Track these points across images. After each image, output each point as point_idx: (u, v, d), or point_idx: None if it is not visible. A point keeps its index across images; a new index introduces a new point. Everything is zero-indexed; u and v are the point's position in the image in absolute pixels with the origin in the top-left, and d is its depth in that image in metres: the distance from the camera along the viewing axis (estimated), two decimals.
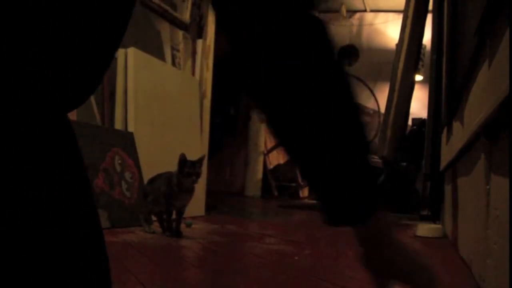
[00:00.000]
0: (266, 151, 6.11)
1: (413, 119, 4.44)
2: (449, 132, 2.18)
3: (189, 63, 3.45)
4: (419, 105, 5.01)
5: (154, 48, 3.05)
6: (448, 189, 2.49)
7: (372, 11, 6.82)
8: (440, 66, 3.02)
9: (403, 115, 3.87)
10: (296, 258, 1.68)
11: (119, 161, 2.44)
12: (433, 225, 2.69)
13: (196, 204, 3.16)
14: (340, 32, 6.93)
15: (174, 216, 2.13)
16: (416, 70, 4.05)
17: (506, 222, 0.89)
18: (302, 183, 5.93)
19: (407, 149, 3.97)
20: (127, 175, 2.46)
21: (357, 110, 0.60)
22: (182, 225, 2.47)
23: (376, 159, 4.45)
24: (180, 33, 3.36)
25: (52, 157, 0.47)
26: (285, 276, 1.40)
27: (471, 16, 1.49)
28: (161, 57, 3.12)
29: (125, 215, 2.34)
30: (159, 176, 2.18)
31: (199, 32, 3.51)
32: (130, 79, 2.67)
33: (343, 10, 6.38)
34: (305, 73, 0.58)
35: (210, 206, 3.37)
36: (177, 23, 3.31)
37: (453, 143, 1.95)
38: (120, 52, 2.70)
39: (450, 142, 2.12)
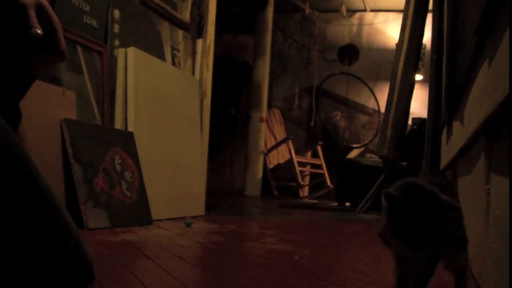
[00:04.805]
0: (266, 150, 6.11)
1: (413, 119, 4.44)
2: (449, 131, 2.18)
3: (189, 63, 3.45)
4: (419, 104, 5.02)
5: (154, 48, 3.05)
6: None
7: (372, 10, 6.82)
8: (440, 66, 3.02)
9: (403, 115, 3.87)
10: (296, 258, 1.68)
11: (119, 161, 2.44)
12: None
13: (196, 204, 3.16)
14: (340, 31, 6.94)
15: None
16: (416, 70, 4.04)
17: (506, 221, 0.89)
18: (302, 183, 5.92)
19: (407, 148, 3.97)
20: (127, 174, 2.47)
21: None
22: (182, 225, 2.48)
23: (376, 159, 4.45)
24: (180, 33, 3.36)
25: None
26: (285, 276, 1.40)
27: (471, 16, 1.49)
28: (161, 56, 3.12)
29: (125, 214, 2.34)
30: None
31: (199, 32, 3.51)
32: (130, 79, 2.67)
33: (343, 9, 6.38)
34: None
35: (210, 206, 3.37)
36: (177, 23, 3.31)
37: (453, 143, 1.95)
38: (120, 52, 2.70)
39: (450, 142, 2.12)
